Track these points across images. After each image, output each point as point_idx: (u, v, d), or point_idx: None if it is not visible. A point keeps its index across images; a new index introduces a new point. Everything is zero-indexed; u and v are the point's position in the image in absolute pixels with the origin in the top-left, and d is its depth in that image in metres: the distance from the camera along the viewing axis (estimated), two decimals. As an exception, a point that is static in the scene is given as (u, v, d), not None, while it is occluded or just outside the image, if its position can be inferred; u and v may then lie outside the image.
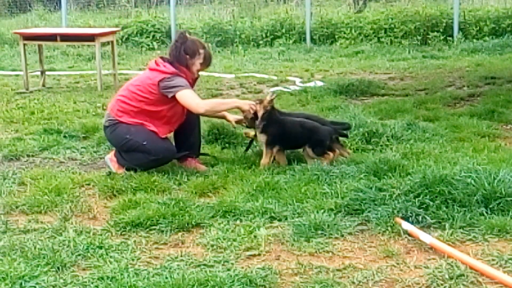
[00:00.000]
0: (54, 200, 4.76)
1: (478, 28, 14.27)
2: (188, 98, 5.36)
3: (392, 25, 14.59)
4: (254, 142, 5.82)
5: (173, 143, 5.66)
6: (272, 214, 4.40)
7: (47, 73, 10.76)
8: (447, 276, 3.47)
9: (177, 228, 4.24)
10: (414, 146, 5.90)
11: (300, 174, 5.13)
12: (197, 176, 5.27)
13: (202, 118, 5.89)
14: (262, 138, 5.48)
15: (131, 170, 5.37)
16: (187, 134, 5.65)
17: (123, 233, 4.21)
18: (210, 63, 5.69)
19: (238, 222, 4.34)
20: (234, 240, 4.02)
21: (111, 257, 3.81)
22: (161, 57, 5.59)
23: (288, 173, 5.22)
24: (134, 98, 5.46)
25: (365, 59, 12.71)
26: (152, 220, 4.29)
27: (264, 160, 5.43)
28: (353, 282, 3.48)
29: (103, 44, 10.56)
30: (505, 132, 6.77)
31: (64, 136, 6.70)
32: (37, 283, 3.45)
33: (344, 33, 14.81)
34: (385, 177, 4.84)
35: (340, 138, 5.70)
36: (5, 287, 3.42)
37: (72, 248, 3.89)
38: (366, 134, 6.13)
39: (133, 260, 3.78)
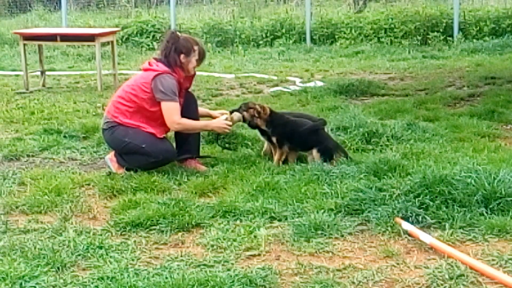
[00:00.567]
0: (54, 200, 4.76)
1: (478, 28, 14.27)
2: (170, 111, 5.41)
3: (392, 25, 14.60)
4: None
5: (173, 143, 5.67)
6: (272, 214, 4.39)
7: (47, 73, 10.76)
8: (447, 276, 3.46)
9: (177, 228, 4.24)
10: (414, 146, 5.90)
11: (300, 174, 5.13)
12: (197, 176, 5.27)
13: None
14: (274, 140, 5.63)
15: (131, 170, 5.37)
16: (187, 134, 5.64)
17: (123, 233, 4.21)
18: (205, 58, 5.72)
19: (238, 222, 4.33)
20: (234, 240, 4.01)
21: (111, 257, 3.80)
22: (154, 58, 5.65)
23: (288, 173, 5.22)
24: (129, 98, 5.48)
25: (365, 59, 12.71)
26: (152, 220, 4.29)
27: (276, 157, 5.58)
28: (353, 282, 3.47)
29: (103, 44, 10.54)
30: (505, 132, 6.77)
31: (64, 136, 6.70)
32: (37, 283, 3.45)
33: (344, 33, 14.82)
34: (385, 177, 4.84)
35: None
36: (5, 287, 3.41)
37: (72, 248, 3.89)
38: (366, 134, 6.13)
39: (133, 260, 3.78)
